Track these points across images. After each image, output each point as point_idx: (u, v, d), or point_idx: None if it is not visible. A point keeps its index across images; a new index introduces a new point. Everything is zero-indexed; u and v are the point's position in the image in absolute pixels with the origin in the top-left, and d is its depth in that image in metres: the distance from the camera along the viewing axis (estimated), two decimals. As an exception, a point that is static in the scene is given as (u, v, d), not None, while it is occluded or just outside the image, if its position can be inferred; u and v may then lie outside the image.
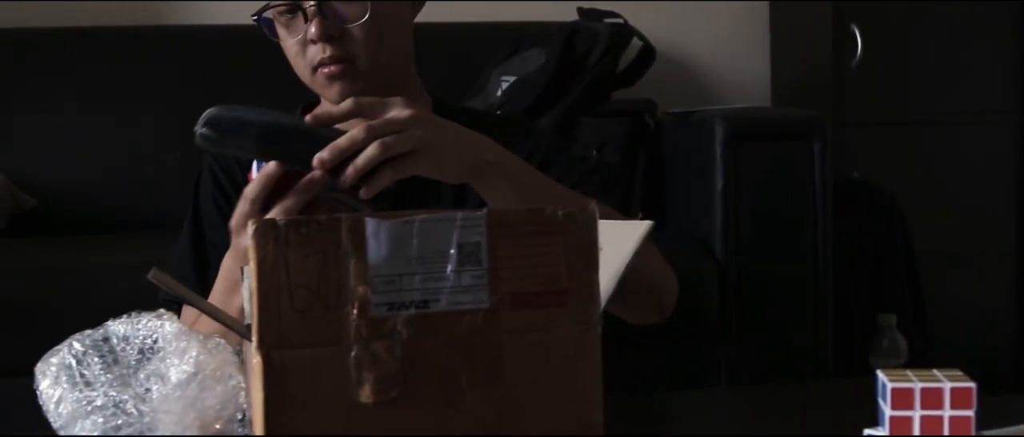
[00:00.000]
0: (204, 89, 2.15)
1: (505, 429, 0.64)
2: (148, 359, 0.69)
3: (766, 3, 2.54)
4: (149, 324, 0.69)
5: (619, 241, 0.86)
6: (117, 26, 2.30)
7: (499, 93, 2.06)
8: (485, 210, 0.65)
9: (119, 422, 0.66)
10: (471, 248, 0.65)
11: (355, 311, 0.63)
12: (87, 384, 0.70)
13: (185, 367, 0.68)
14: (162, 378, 0.68)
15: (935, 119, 2.30)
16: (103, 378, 0.68)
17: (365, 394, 0.63)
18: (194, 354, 0.68)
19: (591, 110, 2.00)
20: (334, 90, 1.08)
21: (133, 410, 0.66)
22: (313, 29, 1.05)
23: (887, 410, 0.67)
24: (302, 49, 1.07)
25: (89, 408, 0.69)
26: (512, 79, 2.09)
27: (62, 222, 2.08)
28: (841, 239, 1.84)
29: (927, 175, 2.28)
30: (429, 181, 1.11)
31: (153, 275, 0.65)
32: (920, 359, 1.91)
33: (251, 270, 0.63)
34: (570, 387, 0.65)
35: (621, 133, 1.97)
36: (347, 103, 0.91)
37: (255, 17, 1.08)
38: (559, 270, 0.65)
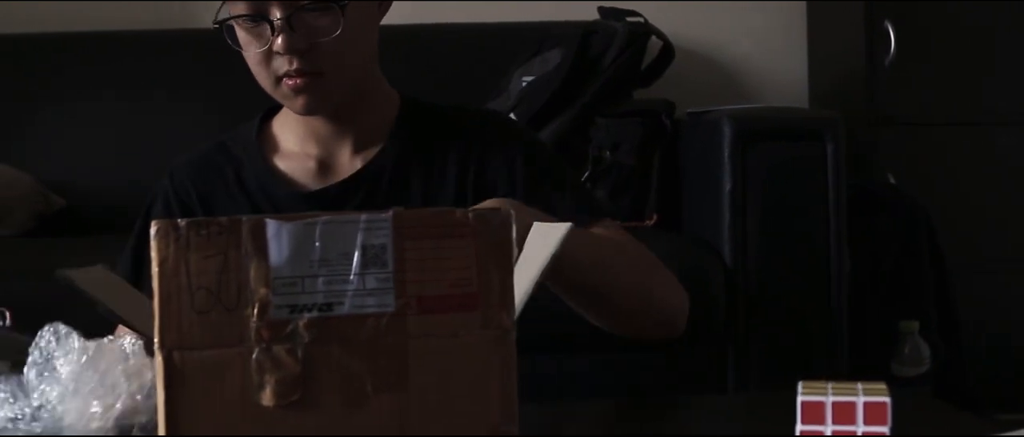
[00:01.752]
0: (233, 91, 2.17)
1: (412, 433, 0.63)
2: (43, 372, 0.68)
3: (803, 2, 2.49)
4: (45, 338, 0.69)
5: (538, 245, 0.83)
6: (146, 29, 2.34)
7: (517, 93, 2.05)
8: (391, 211, 0.63)
9: (20, 431, 0.66)
10: (376, 250, 0.63)
11: (255, 313, 0.62)
12: None
13: (72, 356, 0.67)
14: (57, 380, 0.67)
15: (971, 119, 2.22)
16: (2, 397, 0.67)
17: (266, 397, 0.62)
18: (82, 346, 0.68)
19: (606, 110, 1.97)
20: (299, 102, 1.06)
21: (35, 423, 0.66)
22: (280, 42, 1.01)
23: (798, 424, 0.64)
24: (266, 59, 1.03)
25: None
26: (531, 79, 2.07)
27: (90, 223, 2.12)
28: (862, 244, 1.78)
29: (962, 176, 2.20)
30: (396, 191, 1.10)
31: (59, 274, 0.65)
32: (946, 367, 1.85)
33: (153, 271, 0.63)
34: (481, 395, 0.63)
35: (636, 134, 1.94)
36: None
37: (217, 23, 1.04)
38: (469, 273, 0.63)
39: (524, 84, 2.07)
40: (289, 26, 1.01)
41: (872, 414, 0.62)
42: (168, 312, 0.62)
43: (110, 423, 0.68)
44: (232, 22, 1.04)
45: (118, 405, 0.68)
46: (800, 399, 0.65)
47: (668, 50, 2.09)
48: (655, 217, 1.90)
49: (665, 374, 1.68)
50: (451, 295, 0.63)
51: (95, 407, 0.67)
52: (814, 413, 0.63)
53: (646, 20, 2.11)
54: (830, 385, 0.68)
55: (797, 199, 1.70)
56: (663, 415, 1.01)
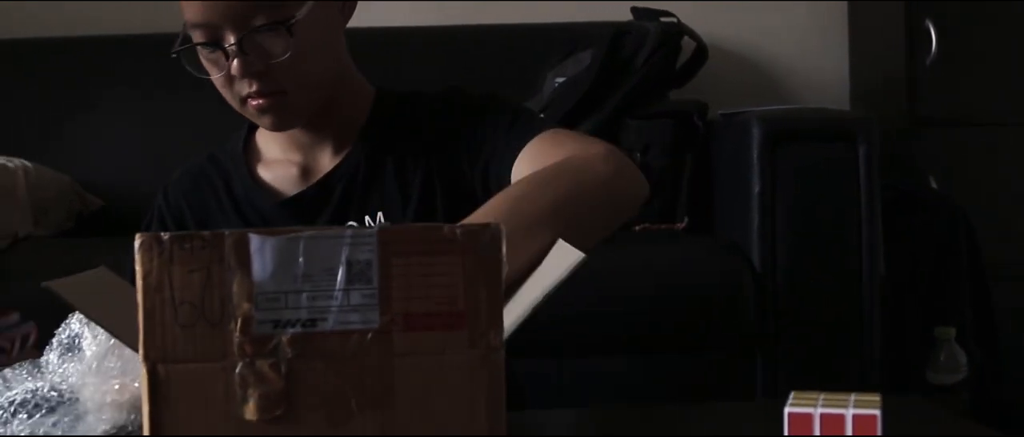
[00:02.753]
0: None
1: None
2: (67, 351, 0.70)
3: (845, 2, 2.45)
4: (74, 322, 0.70)
5: (553, 264, 0.81)
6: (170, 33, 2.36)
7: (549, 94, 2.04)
8: (376, 226, 0.63)
9: (43, 410, 0.67)
10: (361, 266, 0.62)
11: (238, 328, 0.62)
12: (8, 387, 0.71)
13: (101, 338, 0.68)
14: (81, 360, 0.69)
15: (1013, 120, 2.16)
16: (22, 375, 0.69)
17: (250, 411, 0.62)
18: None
19: (637, 112, 1.94)
20: (267, 121, 1.06)
21: (53, 393, 0.67)
22: (235, 66, 1.01)
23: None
24: (228, 82, 1.03)
25: (12, 408, 0.70)
26: (563, 80, 2.06)
27: (127, 223, 2.15)
28: (900, 246, 1.74)
29: (1003, 178, 2.14)
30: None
31: (48, 284, 0.65)
32: (983, 375, 1.80)
33: (137, 285, 0.62)
34: (467, 415, 0.62)
35: (667, 135, 1.92)
36: None
37: (174, 53, 1.04)
38: (456, 291, 0.62)
39: (556, 85, 2.05)
40: (242, 50, 1.00)
41: (861, 426, 0.60)
42: (152, 325, 0.62)
43: (124, 401, 0.69)
44: (193, 49, 1.03)
45: (136, 384, 0.69)
46: (787, 410, 0.63)
47: (701, 51, 2.05)
48: (686, 220, 1.88)
49: (692, 378, 1.66)
50: (437, 313, 0.62)
51: (114, 385, 0.68)
52: (801, 424, 0.61)
53: (679, 20, 2.08)
54: (822, 396, 0.66)
55: (828, 202, 1.66)
56: (650, 419, 0.98)
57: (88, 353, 0.69)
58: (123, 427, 0.68)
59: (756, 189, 1.65)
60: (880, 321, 1.66)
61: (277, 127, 1.08)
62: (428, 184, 1.09)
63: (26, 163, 1.95)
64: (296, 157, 1.14)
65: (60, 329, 0.73)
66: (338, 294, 0.62)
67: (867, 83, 2.36)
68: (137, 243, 0.63)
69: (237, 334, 0.62)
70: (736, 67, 2.47)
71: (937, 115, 2.17)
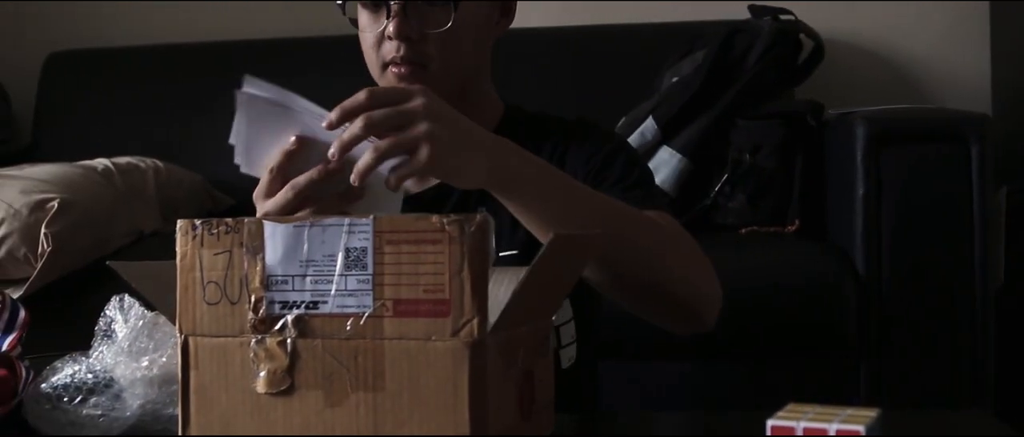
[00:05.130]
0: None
1: (384, 434, 0.65)
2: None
3: (986, 2, 2.33)
4: (111, 308, 0.78)
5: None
6: (309, 36, 2.47)
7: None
8: (372, 216, 0.67)
9: (83, 393, 0.76)
10: (357, 253, 0.67)
11: (251, 307, 0.68)
12: (54, 373, 0.79)
13: (132, 322, 0.76)
14: (115, 341, 0.77)
15: None
16: (68, 361, 0.78)
17: (260, 385, 0.68)
18: (139, 314, 0.76)
19: (748, 112, 1.92)
20: None
21: (89, 375, 0.75)
22: (392, 26, 1.03)
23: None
24: (378, 43, 1.06)
25: (53, 393, 0.78)
26: (677, 79, 2.05)
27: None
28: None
29: None
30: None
31: (112, 263, 0.73)
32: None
33: (177, 265, 0.70)
34: (450, 401, 0.65)
35: (777, 136, 1.88)
36: (362, 94, 0.82)
37: (340, 3, 1.08)
38: (442, 279, 0.66)
39: (671, 84, 2.05)
40: (404, 12, 1.04)
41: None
42: (185, 302, 0.70)
43: (154, 376, 0.76)
44: (357, 2, 1.07)
45: (163, 359, 0.76)
46: (770, 423, 0.63)
47: (818, 49, 2.00)
48: (797, 223, 1.84)
49: (790, 386, 1.62)
50: (424, 300, 0.66)
51: (144, 362, 0.76)
52: (784, 438, 0.60)
53: (796, 18, 2.03)
54: (816, 409, 0.65)
55: (938, 205, 1.58)
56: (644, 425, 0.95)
57: (120, 335, 0.77)
58: (154, 401, 0.76)
59: (860, 192, 1.60)
60: (995, 334, 1.57)
61: None
62: None
63: (158, 163, 2.07)
64: None
65: (104, 310, 0.81)
66: (337, 279, 0.67)
67: (1010, 85, 2.23)
68: (177, 227, 0.70)
69: (250, 313, 0.68)
70: (868, 66, 2.38)
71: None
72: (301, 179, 0.83)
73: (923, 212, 1.58)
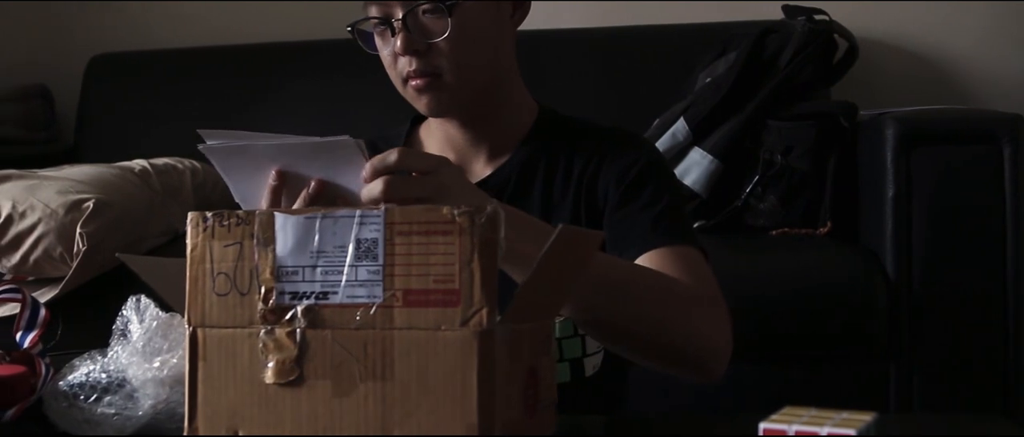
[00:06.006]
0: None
1: (392, 424, 0.65)
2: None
3: (1029, 1, 2.29)
4: (127, 308, 0.80)
5: None
6: (347, 38, 2.47)
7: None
8: (383, 207, 0.68)
9: (98, 392, 0.77)
10: (368, 244, 0.67)
11: (261, 298, 0.69)
12: (72, 371, 0.81)
13: (147, 323, 0.77)
14: (130, 341, 0.78)
15: None
16: (86, 360, 0.79)
17: (268, 375, 0.69)
18: (153, 314, 0.77)
19: (780, 113, 1.90)
20: (422, 102, 1.09)
21: (103, 374, 0.77)
22: (398, 43, 1.06)
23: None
24: (394, 61, 1.09)
25: (70, 391, 0.79)
26: (710, 80, 2.04)
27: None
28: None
29: None
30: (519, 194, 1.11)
31: (121, 256, 0.74)
32: None
33: (186, 257, 0.71)
34: (457, 391, 0.65)
35: (809, 137, 1.86)
36: (393, 155, 0.85)
37: (349, 28, 1.11)
38: (451, 269, 0.66)
39: (704, 85, 2.04)
40: (406, 27, 1.06)
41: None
42: (195, 293, 0.70)
43: (165, 377, 0.77)
44: (367, 29, 1.09)
45: (174, 360, 0.77)
46: (761, 425, 0.62)
47: (852, 50, 1.98)
48: (829, 225, 1.81)
49: (820, 389, 1.60)
50: (434, 290, 0.66)
51: (155, 364, 0.77)
52: (774, 442, 0.60)
53: (830, 18, 2.01)
54: (810, 412, 0.64)
55: (969, 207, 1.55)
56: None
57: (135, 336, 0.78)
58: (168, 400, 0.77)
59: (890, 193, 1.57)
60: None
61: (433, 110, 1.11)
62: (574, 215, 1.10)
63: (195, 163, 2.09)
64: (452, 157, 1.14)
65: (121, 310, 0.82)
66: (348, 269, 0.68)
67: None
68: (189, 219, 0.71)
69: (260, 304, 0.69)
70: (906, 66, 2.35)
71: None
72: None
73: (954, 214, 1.56)
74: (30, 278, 1.81)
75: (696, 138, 1.95)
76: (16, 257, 1.77)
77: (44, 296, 1.77)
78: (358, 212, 0.68)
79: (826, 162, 1.84)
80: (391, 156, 0.84)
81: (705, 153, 1.93)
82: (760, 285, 1.60)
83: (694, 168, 1.93)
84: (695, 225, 1.88)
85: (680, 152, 1.95)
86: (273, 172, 0.87)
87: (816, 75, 1.93)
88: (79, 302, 1.72)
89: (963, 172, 1.57)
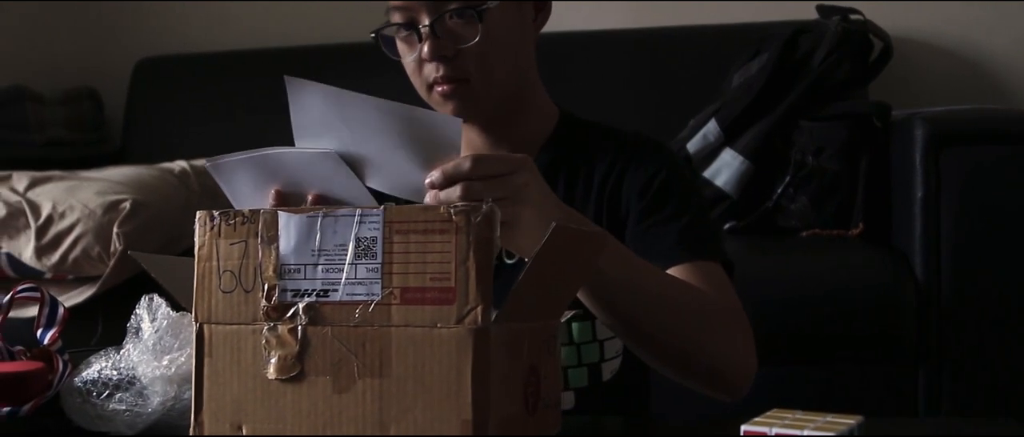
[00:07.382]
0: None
1: (389, 420, 0.67)
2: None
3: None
4: (141, 307, 0.82)
5: None
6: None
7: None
8: (383, 206, 0.69)
9: (109, 389, 0.79)
10: (367, 242, 0.69)
11: (264, 295, 0.71)
12: (87, 367, 0.83)
13: (158, 321, 0.79)
14: (141, 339, 0.80)
15: None
16: (100, 358, 0.81)
17: (271, 371, 0.70)
18: (165, 313, 0.79)
19: (812, 113, 1.88)
20: (449, 108, 1.09)
21: (113, 372, 0.79)
22: (426, 49, 1.05)
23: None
24: (418, 67, 1.08)
25: (83, 387, 0.82)
26: (742, 81, 2.03)
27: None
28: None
29: None
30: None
31: (134, 253, 0.77)
32: None
33: (195, 255, 0.73)
34: (452, 388, 0.66)
35: (841, 137, 1.84)
36: (466, 162, 0.81)
37: (373, 34, 1.10)
38: (448, 267, 0.67)
39: (737, 85, 2.03)
40: (434, 33, 1.05)
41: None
42: (202, 290, 0.72)
43: (173, 375, 0.79)
44: (391, 34, 1.09)
45: (182, 358, 0.79)
46: (743, 428, 0.62)
47: (887, 50, 1.96)
48: (861, 226, 1.79)
49: (849, 391, 1.59)
50: (430, 288, 0.67)
51: (164, 362, 0.79)
52: (754, 444, 0.60)
53: (865, 18, 1.99)
54: (794, 415, 0.64)
55: (999, 208, 1.52)
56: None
57: (146, 334, 0.80)
58: (177, 398, 0.79)
59: (919, 194, 1.55)
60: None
61: (459, 116, 1.06)
62: (597, 218, 1.09)
63: None
64: None
65: (136, 308, 0.85)
66: (347, 267, 0.69)
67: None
68: (197, 218, 0.73)
69: (264, 301, 0.71)
70: (944, 66, 2.32)
71: None
72: None
73: (984, 215, 1.54)
74: (69, 277, 1.86)
75: (727, 139, 1.94)
76: (56, 256, 1.82)
77: (82, 294, 1.82)
78: (358, 211, 0.69)
79: (858, 163, 1.82)
80: (465, 164, 0.80)
81: (736, 154, 1.93)
82: (789, 287, 1.59)
83: (725, 169, 1.92)
84: (726, 226, 1.88)
85: (711, 153, 1.94)
86: (273, 191, 0.87)
87: (851, 75, 1.91)
88: (118, 300, 1.76)
89: (992, 172, 1.54)
